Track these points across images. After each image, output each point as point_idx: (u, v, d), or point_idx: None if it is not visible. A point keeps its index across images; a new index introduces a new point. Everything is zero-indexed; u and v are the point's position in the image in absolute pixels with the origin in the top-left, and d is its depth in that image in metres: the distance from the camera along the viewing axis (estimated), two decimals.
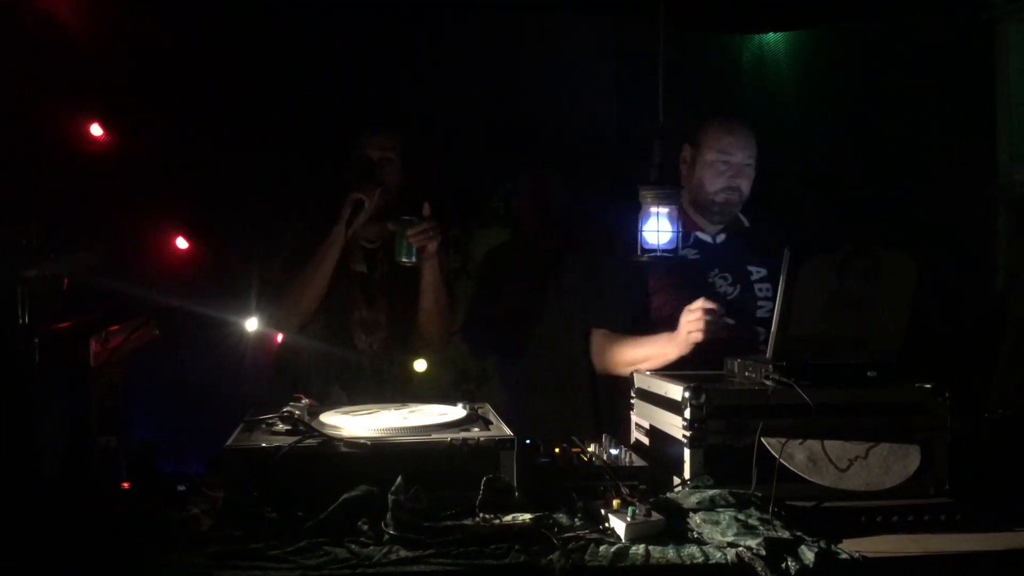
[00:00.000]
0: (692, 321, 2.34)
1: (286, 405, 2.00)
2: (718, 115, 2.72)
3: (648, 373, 2.26)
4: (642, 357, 2.53)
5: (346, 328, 2.77)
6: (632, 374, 2.32)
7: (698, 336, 2.30)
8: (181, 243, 3.64)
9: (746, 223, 2.78)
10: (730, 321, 2.34)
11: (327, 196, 2.80)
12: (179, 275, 3.40)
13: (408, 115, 3.54)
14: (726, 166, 2.64)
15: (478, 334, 3.66)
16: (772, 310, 2.57)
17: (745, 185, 2.66)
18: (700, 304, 2.34)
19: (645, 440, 2.23)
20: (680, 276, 2.62)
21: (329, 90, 3.66)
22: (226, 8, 3.55)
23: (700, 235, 2.70)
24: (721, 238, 2.72)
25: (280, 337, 3.08)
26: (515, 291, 3.47)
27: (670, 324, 2.53)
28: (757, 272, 2.68)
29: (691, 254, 2.65)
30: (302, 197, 2.95)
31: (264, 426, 1.94)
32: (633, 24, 3.75)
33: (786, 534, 1.66)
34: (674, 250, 2.27)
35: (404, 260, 2.66)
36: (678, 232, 2.27)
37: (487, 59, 3.89)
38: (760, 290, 2.66)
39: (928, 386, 1.96)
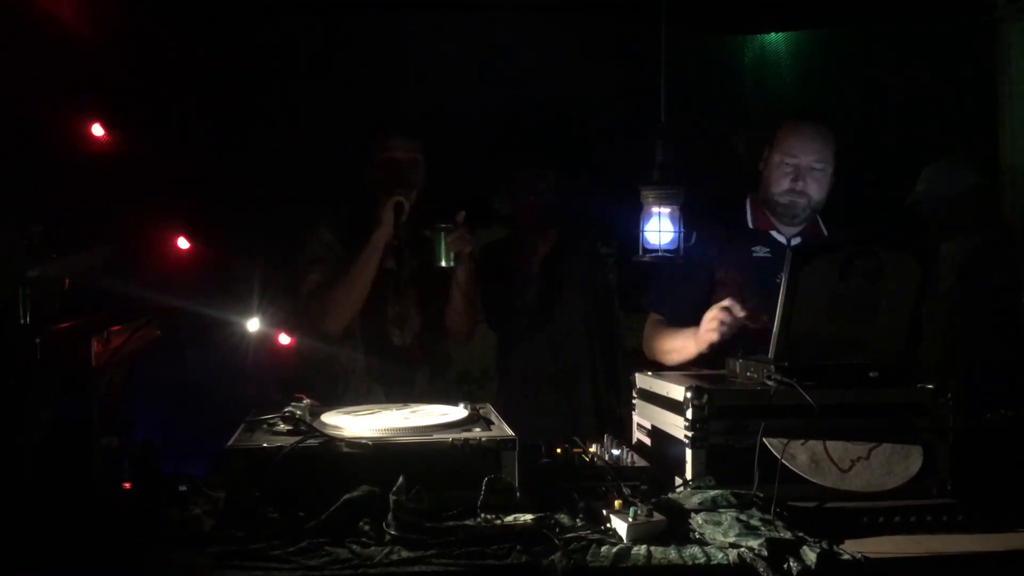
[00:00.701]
0: (709, 320, 2.33)
1: (287, 405, 2.01)
2: (793, 116, 2.67)
3: (650, 373, 2.26)
4: (668, 348, 2.55)
5: (380, 325, 2.83)
6: (634, 375, 2.32)
7: (713, 336, 2.28)
8: (183, 243, 3.64)
9: (824, 230, 2.72)
10: (748, 322, 2.29)
11: (357, 201, 2.84)
12: (181, 276, 3.40)
13: (414, 117, 3.54)
14: (790, 168, 2.58)
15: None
16: None
17: (813, 189, 2.59)
18: (720, 304, 2.33)
19: (647, 440, 2.22)
20: (748, 272, 2.59)
21: (339, 93, 3.67)
22: (230, 12, 3.56)
23: (775, 235, 2.65)
24: (796, 241, 2.66)
25: (287, 339, 3.08)
26: (509, 288, 3.46)
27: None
28: None
29: (763, 252, 2.62)
30: (334, 205, 2.95)
31: (265, 426, 1.94)
32: (635, 25, 3.74)
33: (788, 535, 1.65)
34: (676, 250, 2.27)
35: (443, 264, 2.74)
36: (680, 232, 2.27)
37: (489, 60, 3.89)
38: None
39: (930, 387, 1.96)
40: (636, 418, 2.30)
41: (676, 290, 2.67)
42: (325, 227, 2.84)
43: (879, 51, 4.09)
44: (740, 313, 2.27)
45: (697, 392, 1.90)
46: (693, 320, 2.55)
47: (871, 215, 3.50)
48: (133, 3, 3.49)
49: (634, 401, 2.31)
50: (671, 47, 2.56)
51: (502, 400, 3.32)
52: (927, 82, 3.94)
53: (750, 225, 2.68)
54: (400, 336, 2.85)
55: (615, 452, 2.06)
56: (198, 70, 3.57)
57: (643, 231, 2.31)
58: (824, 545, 1.63)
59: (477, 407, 2.13)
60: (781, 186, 2.59)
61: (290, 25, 3.63)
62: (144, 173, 3.41)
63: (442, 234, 2.71)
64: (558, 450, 2.07)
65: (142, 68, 3.53)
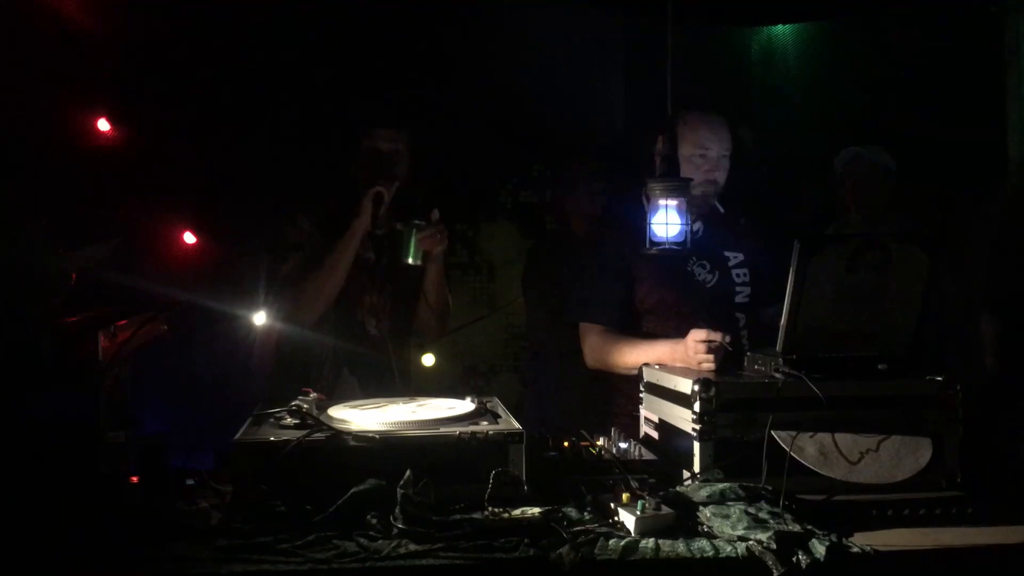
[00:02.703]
0: (699, 353, 2.27)
1: (294, 399, 2.01)
2: (694, 108, 2.67)
3: (657, 367, 2.25)
4: (635, 363, 2.52)
5: (356, 314, 2.81)
6: (642, 368, 2.31)
7: (710, 366, 2.25)
8: (189, 238, 3.64)
9: (720, 209, 2.78)
10: (728, 346, 2.29)
11: (338, 190, 2.83)
12: (187, 270, 3.40)
13: (417, 109, 3.54)
14: (703, 160, 2.63)
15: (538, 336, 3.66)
16: (750, 295, 2.59)
17: (721, 177, 2.66)
18: (699, 336, 2.27)
19: (654, 434, 2.22)
20: (660, 266, 2.61)
21: (336, 84, 3.66)
22: (234, 6, 3.55)
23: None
24: (698, 226, 2.68)
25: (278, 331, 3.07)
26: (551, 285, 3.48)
27: (653, 315, 2.61)
28: (734, 257, 2.69)
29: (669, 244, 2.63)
30: (313, 192, 2.95)
31: (272, 420, 1.93)
32: (641, 16, 3.73)
33: (797, 528, 1.65)
34: (683, 243, 2.26)
35: (409, 261, 2.72)
36: (687, 224, 2.26)
37: (495, 53, 3.89)
38: (737, 275, 2.68)
39: (939, 379, 1.95)
40: (643, 412, 2.30)
41: (606, 294, 2.67)
42: (303, 215, 2.83)
43: (885, 43, 4.07)
44: (717, 337, 2.25)
45: (705, 385, 1.90)
46: (624, 323, 2.61)
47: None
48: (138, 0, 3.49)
49: (641, 395, 2.31)
50: (677, 40, 2.55)
51: (542, 383, 3.39)
52: (933, 74, 3.93)
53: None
54: (375, 326, 2.84)
55: (622, 445, 2.05)
56: (203, 65, 3.57)
57: (650, 224, 2.29)
58: (833, 538, 1.62)
59: (484, 400, 2.13)
60: (696, 178, 2.59)
61: (297, 16, 3.62)
62: (149, 168, 3.41)
63: (413, 230, 2.68)
64: (565, 443, 2.06)
65: (147, 64, 3.53)
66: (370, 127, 2.81)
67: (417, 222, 2.69)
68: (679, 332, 2.41)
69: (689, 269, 2.66)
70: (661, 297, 2.64)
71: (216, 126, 3.53)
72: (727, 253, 2.70)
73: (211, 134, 3.51)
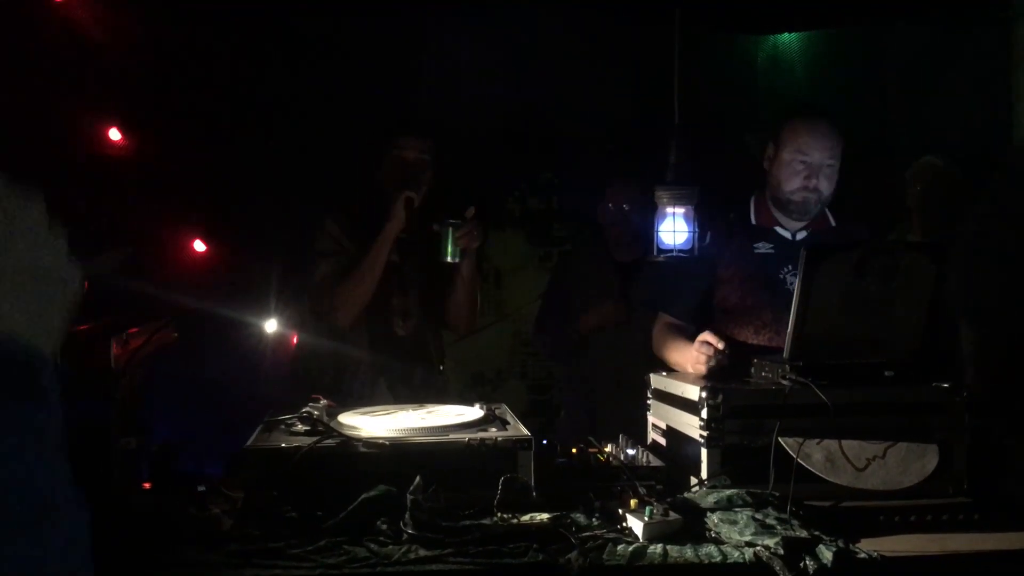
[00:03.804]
0: (696, 352, 2.28)
1: (304, 406, 2.03)
2: (800, 112, 2.63)
3: (664, 374, 2.27)
4: (672, 362, 2.54)
5: (385, 316, 2.89)
6: (649, 375, 2.33)
7: (700, 369, 2.26)
8: (199, 246, 3.67)
9: (832, 222, 2.70)
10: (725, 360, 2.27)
11: (365, 197, 2.90)
12: (198, 278, 3.43)
13: (429, 118, 3.57)
14: (803, 166, 2.55)
15: (556, 336, 3.67)
16: None
17: (824, 185, 2.56)
18: (702, 337, 2.28)
19: (662, 440, 2.23)
20: (751, 269, 2.58)
21: (352, 92, 3.69)
22: (246, 17, 3.58)
23: (779, 230, 2.62)
24: (802, 235, 2.63)
25: (295, 340, 3.11)
26: (596, 296, 3.49)
27: (732, 316, 2.56)
28: None
29: (765, 248, 2.60)
30: (338, 199, 3.01)
31: (283, 427, 1.95)
32: (649, 25, 3.75)
33: (804, 533, 1.66)
34: (690, 250, 2.27)
35: (449, 259, 2.80)
36: (694, 232, 2.27)
37: (503, 60, 3.91)
38: None
39: (946, 385, 1.96)
40: (651, 418, 2.31)
41: (683, 288, 2.67)
42: (333, 222, 2.90)
43: (892, 51, 4.08)
44: (719, 344, 2.24)
45: (712, 392, 1.91)
46: (700, 317, 2.58)
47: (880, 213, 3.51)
48: (150, 10, 3.52)
49: (648, 401, 2.32)
50: (685, 48, 2.57)
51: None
52: (940, 82, 3.93)
53: (753, 222, 2.66)
54: (403, 327, 2.91)
55: (630, 452, 2.07)
56: (215, 75, 3.60)
57: (657, 231, 2.31)
58: (840, 544, 1.63)
59: (492, 407, 2.14)
60: (793, 184, 2.56)
61: (305, 27, 3.65)
62: (160, 176, 3.44)
63: (450, 229, 2.77)
64: (573, 450, 2.08)
65: (159, 73, 3.56)
66: (396, 136, 2.88)
67: (453, 221, 2.77)
68: (758, 337, 2.45)
69: (781, 276, 2.58)
70: (743, 299, 2.57)
71: (228, 135, 3.55)
72: None
73: (223, 143, 3.54)
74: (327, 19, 3.65)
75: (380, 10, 3.70)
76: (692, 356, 2.28)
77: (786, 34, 4.06)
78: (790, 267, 2.56)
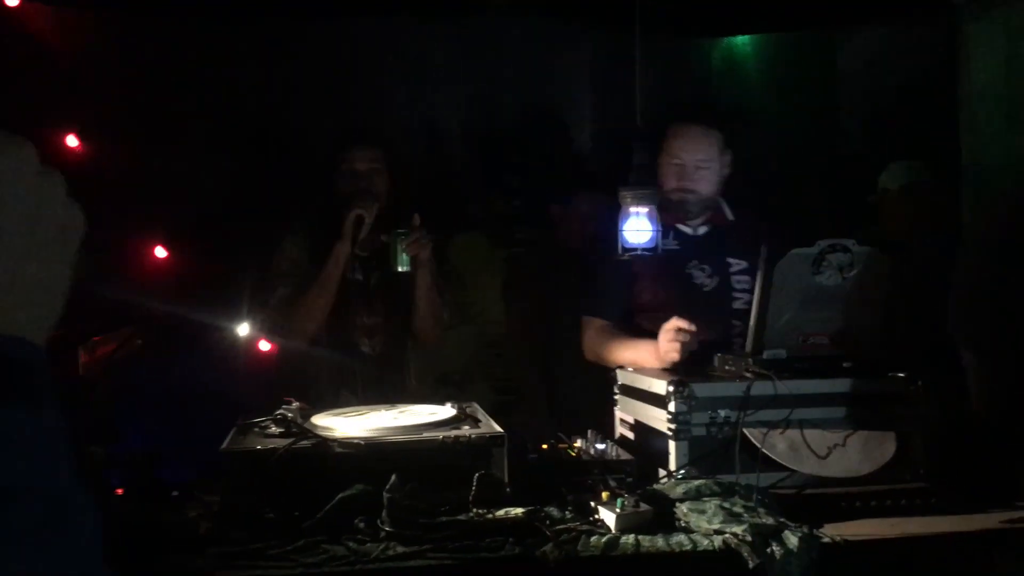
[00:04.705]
0: (667, 342, 2.35)
1: (278, 409, 2.04)
2: (676, 116, 2.76)
3: (631, 369, 2.31)
4: (624, 359, 2.59)
5: (350, 335, 2.87)
6: (615, 371, 2.38)
7: (674, 356, 2.32)
8: (160, 252, 3.64)
9: (730, 216, 2.83)
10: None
11: (324, 212, 2.88)
12: (160, 284, 3.41)
13: (390, 125, 3.59)
14: (676, 167, 2.69)
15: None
16: (750, 302, 2.66)
17: (702, 185, 2.70)
18: (673, 324, 2.35)
19: (630, 435, 2.28)
20: (659, 267, 2.67)
21: (311, 100, 3.69)
22: (206, 23, 3.57)
23: (682, 227, 2.74)
24: (703, 230, 2.76)
25: (269, 347, 3.11)
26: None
27: (646, 313, 2.65)
28: (736, 264, 2.74)
29: (671, 245, 2.70)
30: (297, 212, 3.00)
31: (257, 429, 1.96)
32: (607, 30, 3.81)
33: (770, 520, 1.72)
34: (654, 248, 2.33)
35: (401, 269, 2.77)
36: (658, 231, 2.33)
37: (464, 65, 3.94)
38: (738, 282, 2.73)
39: (902, 376, 2.03)
40: (618, 413, 2.36)
41: (612, 292, 2.76)
42: (291, 243, 2.89)
43: (845, 54, 4.18)
44: (692, 328, 2.32)
45: (679, 386, 1.96)
46: (627, 320, 2.69)
47: (840, 211, 3.60)
48: (109, 17, 3.49)
49: (616, 396, 2.37)
50: (643, 51, 2.62)
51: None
52: (892, 84, 4.04)
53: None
54: (369, 345, 2.89)
55: (600, 447, 2.11)
56: (173, 81, 3.58)
57: (621, 231, 2.37)
58: (805, 530, 1.69)
59: (464, 406, 2.17)
60: (669, 184, 2.69)
61: (268, 32, 3.65)
62: (119, 184, 3.41)
63: (397, 238, 2.75)
64: (544, 446, 2.12)
65: (117, 79, 3.53)
66: (346, 148, 2.86)
67: (400, 231, 2.75)
68: None
69: (688, 271, 2.70)
70: (655, 296, 2.69)
71: (190, 142, 3.54)
72: (730, 259, 2.73)
73: (182, 148, 3.52)
74: (291, 23, 3.65)
75: (344, 13, 3.70)
76: (663, 346, 2.33)
77: (741, 37, 4.14)
78: (695, 261, 2.70)
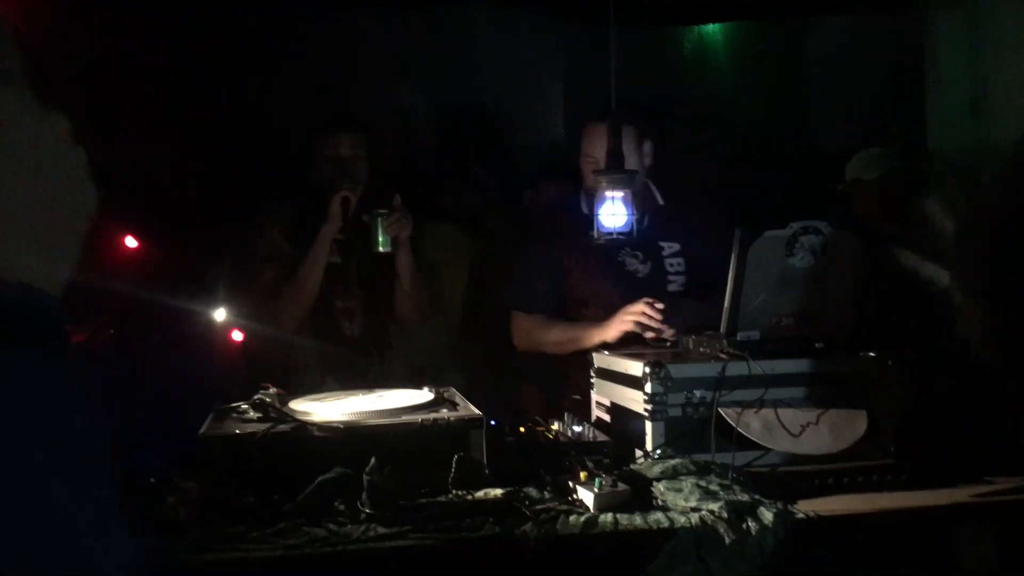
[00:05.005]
0: (632, 312, 2.45)
1: (255, 395, 2.03)
2: (590, 115, 2.80)
3: (607, 352, 2.34)
4: (561, 339, 2.68)
5: (330, 318, 2.90)
6: (592, 354, 2.40)
7: (627, 326, 2.44)
8: (131, 242, 3.61)
9: (660, 201, 2.89)
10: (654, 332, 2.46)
11: (302, 197, 2.91)
12: (132, 273, 3.38)
13: (363, 113, 3.58)
14: (593, 165, 2.73)
15: None
16: (684, 284, 2.71)
17: None
18: (645, 300, 2.47)
19: (606, 417, 2.30)
20: (592, 257, 2.73)
21: (288, 88, 3.68)
22: (183, 11, 3.54)
23: None
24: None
25: (240, 336, 3.10)
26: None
27: (585, 305, 2.71)
28: (669, 247, 2.79)
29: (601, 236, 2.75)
30: (276, 199, 3.01)
31: (235, 415, 1.96)
32: (578, 19, 3.82)
33: (746, 497, 1.74)
34: (629, 232, 2.35)
35: (382, 249, 2.82)
36: (633, 215, 2.35)
37: (434, 54, 3.94)
38: (671, 265, 2.78)
39: (873, 355, 2.07)
40: (594, 396, 2.38)
41: (538, 287, 2.82)
42: (272, 226, 2.90)
43: (812, 40, 4.23)
44: (655, 313, 2.42)
45: (656, 367, 1.98)
46: (555, 313, 2.75)
47: (811, 195, 3.64)
48: (80, 4, 3.46)
49: (592, 380, 2.39)
50: (615, 41, 2.64)
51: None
52: (859, 72, 4.09)
53: (585, 211, 2.81)
54: (350, 328, 2.92)
55: (577, 429, 2.13)
56: (145, 69, 3.55)
57: (597, 215, 2.39)
58: (779, 506, 1.72)
59: (441, 390, 2.18)
60: (589, 181, 2.74)
61: (243, 21, 3.63)
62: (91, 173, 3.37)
63: (379, 219, 2.79)
64: (522, 428, 2.13)
65: (83, 65, 3.49)
66: (330, 133, 2.89)
67: (381, 211, 2.79)
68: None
69: (620, 260, 2.75)
70: (592, 287, 2.75)
71: (161, 131, 3.51)
72: (662, 243, 2.79)
73: (156, 139, 3.49)
74: (266, 12, 3.63)
75: (319, 6, 3.69)
76: (628, 312, 2.43)
77: (710, 25, 4.18)
78: (627, 248, 2.75)
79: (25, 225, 0.69)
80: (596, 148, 2.71)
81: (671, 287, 2.76)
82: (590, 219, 2.73)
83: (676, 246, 2.79)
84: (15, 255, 0.68)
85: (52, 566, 0.61)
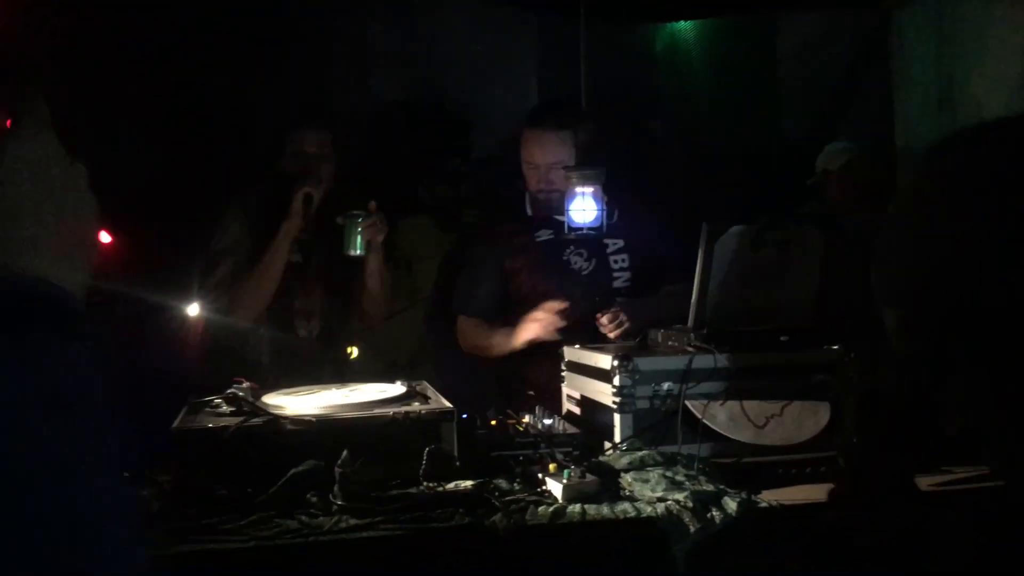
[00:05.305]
0: (531, 319, 2.56)
1: (228, 389, 2.05)
2: (528, 120, 2.82)
3: (578, 346, 2.37)
4: (487, 344, 2.78)
5: (287, 317, 2.87)
6: (563, 348, 2.43)
7: (530, 334, 2.55)
8: (104, 237, 3.59)
9: (603, 198, 2.90)
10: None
11: (266, 193, 2.88)
12: (105, 268, 3.37)
13: (336, 108, 3.59)
14: (534, 170, 2.76)
15: None
16: (629, 280, 2.74)
17: (563, 183, 2.70)
18: (545, 307, 2.59)
19: (576, 410, 2.34)
20: (538, 257, 2.78)
21: (257, 86, 3.68)
22: (152, 5, 3.53)
23: (557, 217, 2.76)
24: None
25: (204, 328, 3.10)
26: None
27: (529, 303, 2.74)
28: (613, 244, 2.82)
29: (546, 235, 2.80)
30: (240, 195, 2.99)
31: (209, 408, 1.98)
32: (552, 14, 3.85)
33: (711, 487, 1.78)
34: (599, 228, 2.39)
35: (354, 252, 2.77)
36: (603, 210, 2.38)
37: (411, 48, 3.95)
38: (615, 261, 2.82)
39: (836, 348, 2.12)
40: (565, 389, 2.41)
41: (477, 290, 2.87)
42: (233, 219, 2.87)
43: (783, 39, 4.28)
44: (551, 315, 2.53)
45: (624, 360, 2.02)
46: (498, 315, 2.81)
47: (780, 190, 3.70)
48: None
49: (563, 373, 2.42)
50: (588, 36, 2.68)
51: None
52: (830, 69, 4.15)
53: (529, 213, 2.86)
54: (307, 328, 2.89)
55: (547, 421, 2.16)
56: (113, 63, 3.53)
57: (568, 210, 2.42)
58: (744, 495, 1.76)
59: (413, 384, 2.21)
60: (532, 185, 2.79)
61: (215, 14, 3.62)
62: None
63: (355, 221, 2.75)
64: (493, 422, 2.16)
65: (53, 58, 3.47)
66: (295, 129, 2.86)
67: (356, 213, 2.75)
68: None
69: (566, 258, 2.79)
70: (536, 286, 2.79)
71: (133, 124, 3.50)
72: (606, 240, 2.80)
73: (125, 128, 3.48)
74: (236, 5, 3.63)
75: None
76: (529, 319, 2.53)
77: (682, 23, 4.22)
78: (572, 247, 2.79)
79: (37, 239, 0.73)
80: (535, 155, 2.74)
81: (616, 283, 2.79)
82: (534, 220, 2.79)
83: (620, 242, 2.81)
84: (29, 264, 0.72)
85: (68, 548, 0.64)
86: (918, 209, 0.80)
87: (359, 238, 2.76)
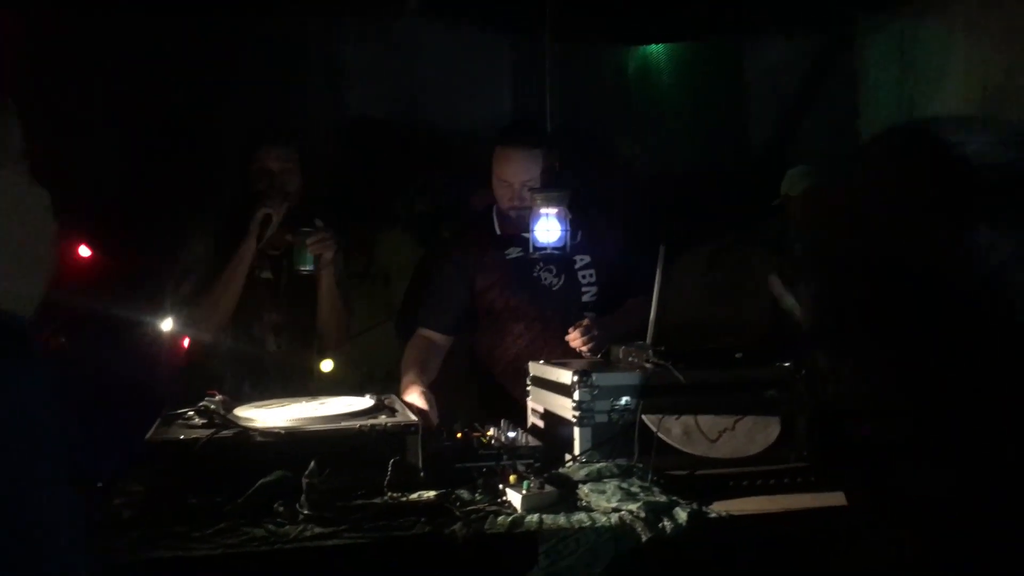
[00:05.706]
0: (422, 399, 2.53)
1: (200, 402, 2.11)
2: (500, 139, 2.87)
3: (542, 362, 2.45)
4: (401, 367, 2.82)
5: (257, 332, 2.90)
6: (529, 364, 2.51)
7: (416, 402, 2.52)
8: (84, 251, 3.65)
9: (568, 215, 2.98)
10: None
11: (234, 210, 2.90)
12: (85, 282, 3.42)
13: (312, 124, 3.65)
14: (506, 187, 2.82)
15: None
16: (596, 294, 2.82)
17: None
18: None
19: (540, 423, 2.41)
20: (508, 274, 2.85)
21: (228, 102, 3.73)
22: (124, 17, 3.59)
23: (524, 234, 2.80)
24: None
25: (187, 341, 3.15)
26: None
27: (500, 318, 2.84)
28: (581, 260, 2.88)
29: (516, 253, 2.86)
30: (209, 212, 3.04)
31: (181, 420, 2.04)
32: (524, 35, 3.94)
33: (663, 498, 1.86)
34: (563, 247, 2.47)
35: (303, 268, 2.80)
36: (566, 231, 2.47)
37: (391, 67, 4.03)
38: (584, 276, 2.89)
39: (787, 365, 2.20)
40: (530, 403, 2.49)
41: (442, 304, 2.93)
42: (197, 238, 2.91)
43: (752, 62, 4.40)
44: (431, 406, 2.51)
45: (583, 375, 2.10)
46: (458, 331, 2.89)
47: (746, 210, 3.80)
48: (23, 7, 3.49)
49: (528, 388, 2.50)
50: (561, 58, 2.76)
51: None
52: (795, 92, 4.27)
53: (498, 232, 2.93)
54: (275, 342, 2.91)
55: (511, 435, 2.23)
56: (92, 72, 3.58)
57: (532, 231, 2.51)
58: (694, 506, 1.84)
59: (382, 397, 2.28)
60: (504, 203, 2.85)
61: (188, 29, 3.67)
62: (41, 179, 3.40)
63: (302, 238, 2.77)
64: (458, 434, 2.23)
65: (29, 71, 3.52)
66: (260, 146, 2.87)
67: (306, 229, 2.78)
68: (528, 333, 2.81)
69: (536, 274, 2.86)
70: (506, 303, 2.86)
71: (109, 139, 3.55)
72: (575, 256, 2.86)
73: (105, 142, 3.53)
74: (208, 19, 3.68)
75: (262, 11, 3.75)
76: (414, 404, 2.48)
77: (654, 45, 4.32)
78: (541, 264, 2.85)
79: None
80: (507, 172, 2.79)
81: (584, 297, 2.87)
82: (503, 237, 2.86)
83: (587, 258, 2.88)
84: None
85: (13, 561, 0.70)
86: (831, 199, 0.87)
87: (306, 253, 2.78)
